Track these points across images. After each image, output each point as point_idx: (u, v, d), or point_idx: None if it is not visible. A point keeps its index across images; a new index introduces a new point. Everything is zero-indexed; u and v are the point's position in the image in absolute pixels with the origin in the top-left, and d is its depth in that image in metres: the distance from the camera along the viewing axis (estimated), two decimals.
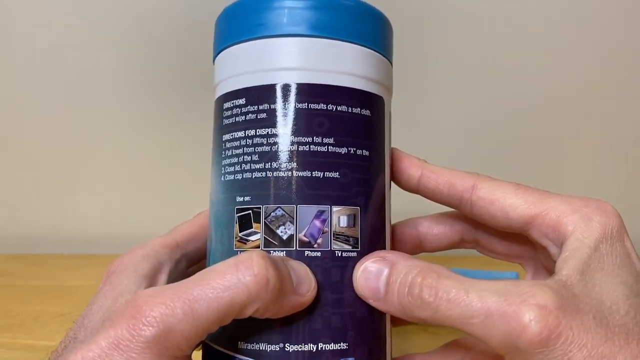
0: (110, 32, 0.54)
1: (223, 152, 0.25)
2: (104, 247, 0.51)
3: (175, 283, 0.21)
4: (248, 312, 0.21)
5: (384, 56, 0.26)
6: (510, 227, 0.25)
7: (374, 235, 0.24)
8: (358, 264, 0.23)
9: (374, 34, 0.26)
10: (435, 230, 0.28)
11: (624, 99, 0.55)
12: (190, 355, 0.21)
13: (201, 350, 0.25)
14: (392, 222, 0.29)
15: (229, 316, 0.20)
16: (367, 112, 0.24)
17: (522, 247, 0.27)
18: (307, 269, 0.22)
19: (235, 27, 0.25)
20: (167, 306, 0.19)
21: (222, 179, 0.25)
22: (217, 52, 0.26)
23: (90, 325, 0.23)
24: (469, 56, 0.54)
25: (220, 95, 0.26)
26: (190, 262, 0.28)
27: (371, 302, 0.23)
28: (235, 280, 0.20)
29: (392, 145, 0.27)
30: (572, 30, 0.54)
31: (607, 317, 0.20)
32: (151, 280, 0.24)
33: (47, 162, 0.58)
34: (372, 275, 0.23)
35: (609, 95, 0.55)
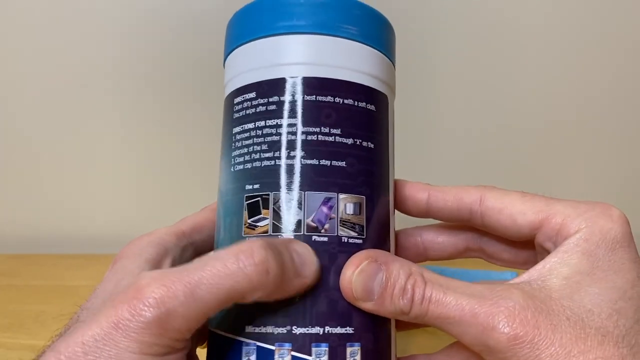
0: (110, 31, 0.54)
1: (233, 144, 0.26)
2: (104, 247, 0.50)
3: (178, 267, 0.21)
4: (250, 299, 0.21)
5: (387, 57, 0.27)
6: (519, 234, 0.25)
7: (379, 225, 0.25)
8: (348, 267, 0.23)
9: (378, 35, 0.27)
10: (440, 239, 0.29)
11: (625, 103, 0.55)
12: (188, 341, 0.21)
13: (207, 340, 0.25)
14: (396, 229, 0.29)
15: (229, 302, 0.21)
16: (372, 107, 0.26)
17: (528, 253, 0.27)
18: (310, 250, 0.23)
19: (244, 28, 0.27)
20: (168, 288, 0.20)
21: (232, 169, 0.25)
22: (227, 54, 0.28)
23: (92, 308, 0.23)
24: (468, 62, 0.55)
25: (231, 92, 0.26)
26: (197, 252, 0.28)
27: (362, 304, 0.23)
28: (236, 268, 0.20)
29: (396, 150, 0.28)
30: (571, 35, 0.54)
31: (583, 319, 0.21)
32: (156, 265, 0.25)
33: (47, 162, 0.57)
34: (369, 278, 0.23)
35: (610, 99, 0.55)
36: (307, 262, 0.22)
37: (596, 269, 0.22)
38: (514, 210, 0.25)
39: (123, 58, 0.54)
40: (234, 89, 0.26)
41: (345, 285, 0.23)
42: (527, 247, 0.27)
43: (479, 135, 0.56)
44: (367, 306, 0.23)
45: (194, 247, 0.28)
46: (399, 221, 0.29)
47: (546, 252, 0.24)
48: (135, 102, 0.55)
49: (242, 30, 0.27)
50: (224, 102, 0.27)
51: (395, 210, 0.28)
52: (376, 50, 0.26)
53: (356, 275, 0.23)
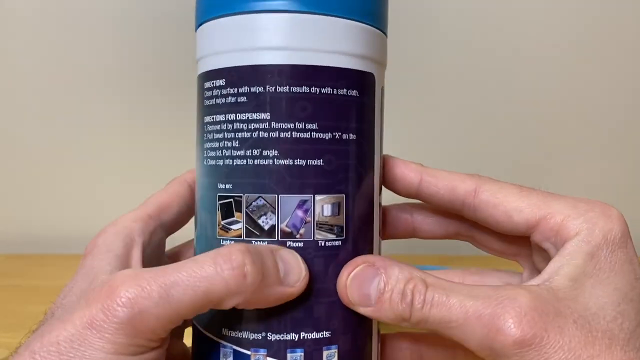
0: (109, 31, 0.54)
1: (204, 135, 0.24)
2: None
3: (154, 267, 0.21)
4: (228, 305, 0.21)
5: (376, 28, 0.24)
6: (514, 231, 0.24)
7: (361, 223, 0.24)
8: (344, 271, 0.23)
9: (364, 4, 0.23)
10: (431, 219, 0.28)
11: (624, 98, 0.56)
12: (165, 339, 0.21)
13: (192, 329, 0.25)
14: (388, 204, 0.28)
15: (205, 306, 0.20)
16: (354, 93, 0.23)
17: (520, 245, 0.26)
18: (298, 258, 0.22)
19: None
20: (143, 289, 0.19)
21: (205, 162, 0.24)
22: (200, 23, 0.25)
23: (67, 305, 0.23)
24: (467, 56, 0.54)
25: (201, 74, 0.24)
26: (168, 231, 0.28)
27: (360, 309, 0.22)
28: (212, 272, 0.20)
29: (390, 139, 0.26)
30: (570, 30, 0.54)
31: (590, 322, 0.20)
32: (125, 259, 0.24)
33: (47, 162, 0.58)
34: (365, 281, 0.22)
35: (609, 95, 0.55)
36: (293, 270, 0.22)
37: (599, 270, 0.21)
38: (509, 206, 0.24)
39: (121, 59, 0.54)
40: (203, 70, 0.24)
41: (341, 290, 0.23)
42: (518, 239, 0.26)
43: (478, 129, 0.57)
44: (366, 312, 0.22)
45: (164, 228, 0.27)
46: (393, 197, 0.28)
47: (543, 251, 0.24)
48: (139, 102, 0.55)
49: (215, 1, 0.24)
50: (197, 80, 0.25)
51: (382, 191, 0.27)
52: (361, 24, 0.23)
53: (350, 279, 0.22)
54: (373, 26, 0.24)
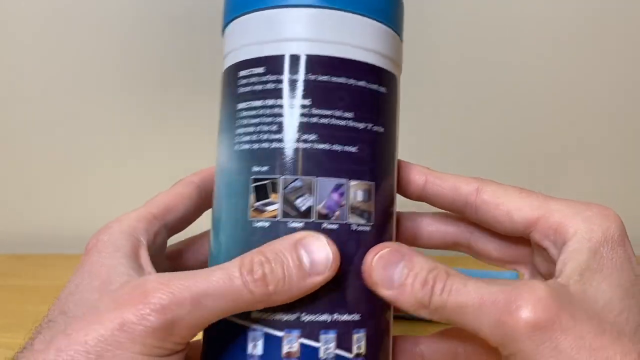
0: (110, 32, 0.53)
1: (236, 121, 0.24)
2: None
3: (183, 273, 0.21)
4: (258, 308, 0.22)
5: (398, 34, 0.26)
6: (514, 230, 0.25)
7: (385, 212, 0.25)
8: (370, 253, 0.23)
9: (391, 11, 0.26)
10: (431, 228, 0.28)
11: (625, 99, 0.57)
12: (190, 342, 0.22)
13: None
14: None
15: (234, 312, 0.21)
16: (383, 89, 0.25)
17: (518, 252, 0.27)
18: (325, 243, 0.22)
19: None
20: (175, 296, 0.20)
21: (235, 148, 0.24)
22: (229, 20, 0.26)
23: (81, 303, 0.22)
24: (467, 56, 0.55)
25: (235, 63, 0.25)
26: (171, 231, 0.27)
27: (383, 290, 0.23)
28: (239, 282, 0.21)
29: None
30: (572, 30, 0.54)
31: (599, 314, 0.21)
32: (134, 258, 0.23)
33: (48, 162, 0.57)
34: (389, 264, 0.23)
35: (610, 96, 0.56)
36: (320, 259, 0.22)
37: (602, 266, 0.22)
38: (510, 205, 0.25)
39: (125, 59, 0.54)
40: (237, 60, 0.25)
41: (366, 269, 0.23)
42: (516, 246, 0.27)
43: (478, 130, 0.57)
44: (387, 294, 0.22)
45: (167, 229, 0.26)
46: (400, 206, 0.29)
47: (543, 250, 0.25)
48: (138, 103, 0.54)
49: None
50: (224, 74, 0.26)
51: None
52: (388, 28, 0.25)
53: (376, 259, 0.23)
54: (397, 33, 0.26)
